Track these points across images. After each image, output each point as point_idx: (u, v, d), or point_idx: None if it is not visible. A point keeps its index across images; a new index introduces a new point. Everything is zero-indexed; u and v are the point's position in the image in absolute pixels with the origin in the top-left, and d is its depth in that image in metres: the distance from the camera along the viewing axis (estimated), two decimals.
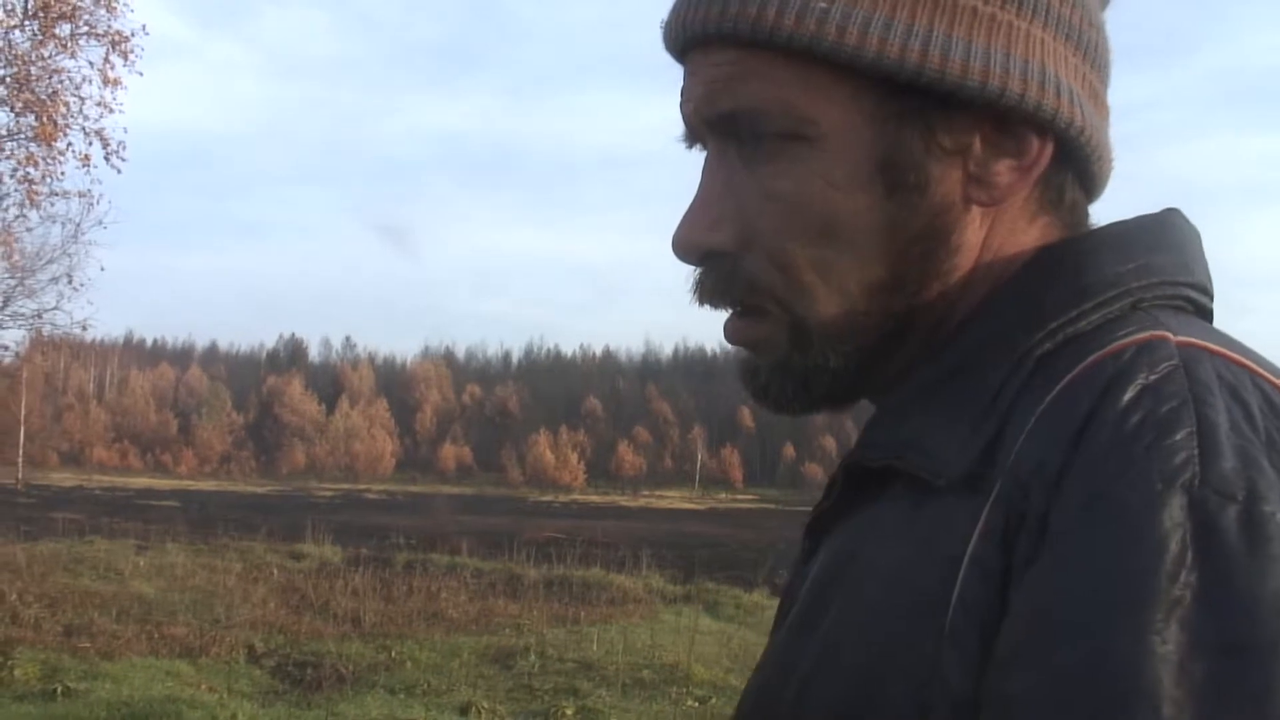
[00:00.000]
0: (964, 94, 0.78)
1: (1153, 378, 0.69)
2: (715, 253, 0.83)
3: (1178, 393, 0.68)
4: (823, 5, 0.77)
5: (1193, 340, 0.72)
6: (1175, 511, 0.63)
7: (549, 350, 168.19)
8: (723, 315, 0.87)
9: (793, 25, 0.77)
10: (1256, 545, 0.61)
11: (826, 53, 0.77)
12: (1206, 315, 0.82)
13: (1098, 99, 0.85)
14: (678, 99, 0.87)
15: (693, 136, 0.87)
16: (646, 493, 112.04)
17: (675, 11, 0.85)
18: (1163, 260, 0.79)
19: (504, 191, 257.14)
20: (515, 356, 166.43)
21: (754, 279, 0.82)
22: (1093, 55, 0.84)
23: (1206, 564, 0.61)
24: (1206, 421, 0.66)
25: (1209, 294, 0.82)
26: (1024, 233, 0.83)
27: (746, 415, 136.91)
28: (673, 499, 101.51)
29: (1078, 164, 0.84)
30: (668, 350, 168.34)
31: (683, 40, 0.84)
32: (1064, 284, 0.78)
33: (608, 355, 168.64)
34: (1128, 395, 0.68)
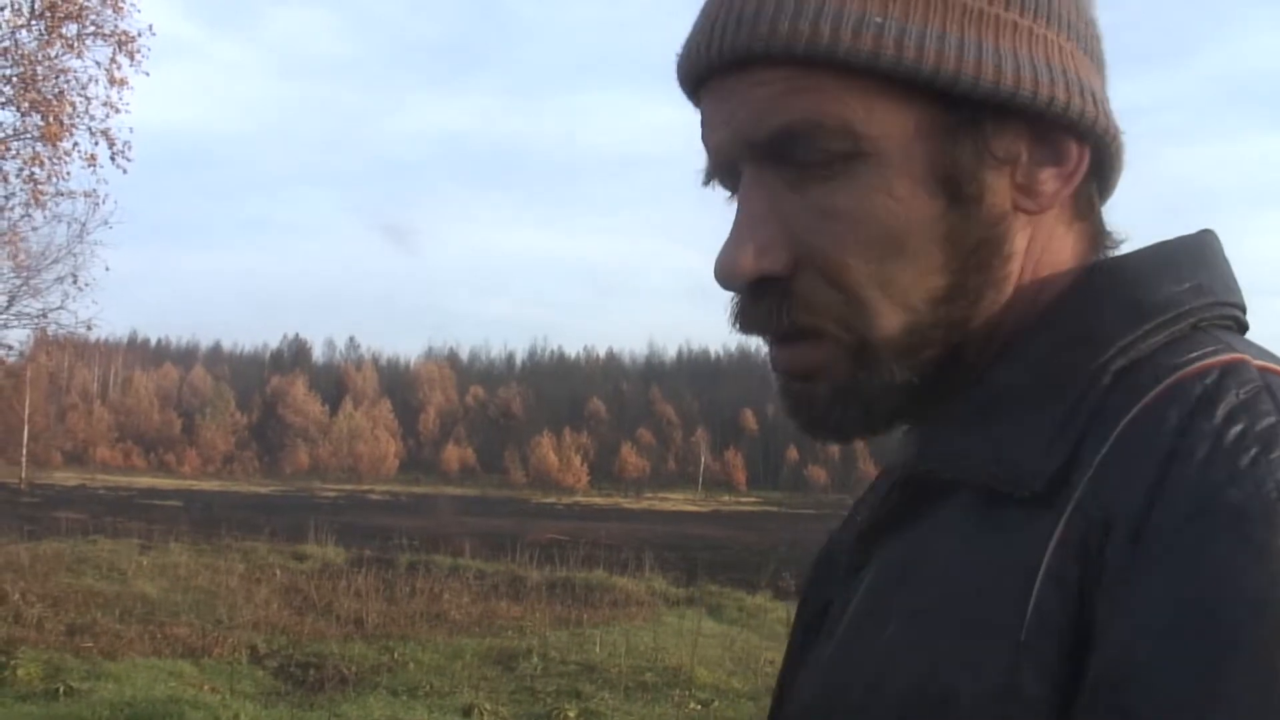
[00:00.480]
0: (1015, 104, 0.79)
1: (1243, 396, 0.70)
2: (766, 278, 0.81)
3: (1270, 411, 0.69)
4: (878, 20, 0.77)
5: (1268, 364, 0.73)
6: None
7: (552, 352, 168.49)
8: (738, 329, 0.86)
9: (850, 41, 0.77)
10: None
11: (885, 68, 0.77)
12: (1245, 333, 0.83)
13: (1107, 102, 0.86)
14: (700, 130, 0.86)
15: (719, 168, 0.86)
16: (649, 495, 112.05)
17: (704, 34, 0.83)
18: (1211, 280, 0.81)
19: (507, 191, 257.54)
20: (519, 358, 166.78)
21: (809, 301, 0.81)
22: (1099, 62, 0.86)
23: None
24: None
25: (1246, 312, 0.84)
26: (1062, 239, 0.85)
27: (750, 417, 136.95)
28: (676, 501, 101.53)
29: (1102, 169, 0.86)
30: (671, 352, 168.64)
31: (719, 63, 0.81)
32: (1122, 302, 0.79)
33: (611, 357, 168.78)
34: (1221, 412, 0.69)
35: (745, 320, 0.84)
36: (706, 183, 0.88)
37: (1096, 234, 0.87)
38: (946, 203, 0.79)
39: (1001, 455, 0.76)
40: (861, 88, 0.78)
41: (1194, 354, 0.74)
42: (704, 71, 0.83)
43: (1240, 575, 0.62)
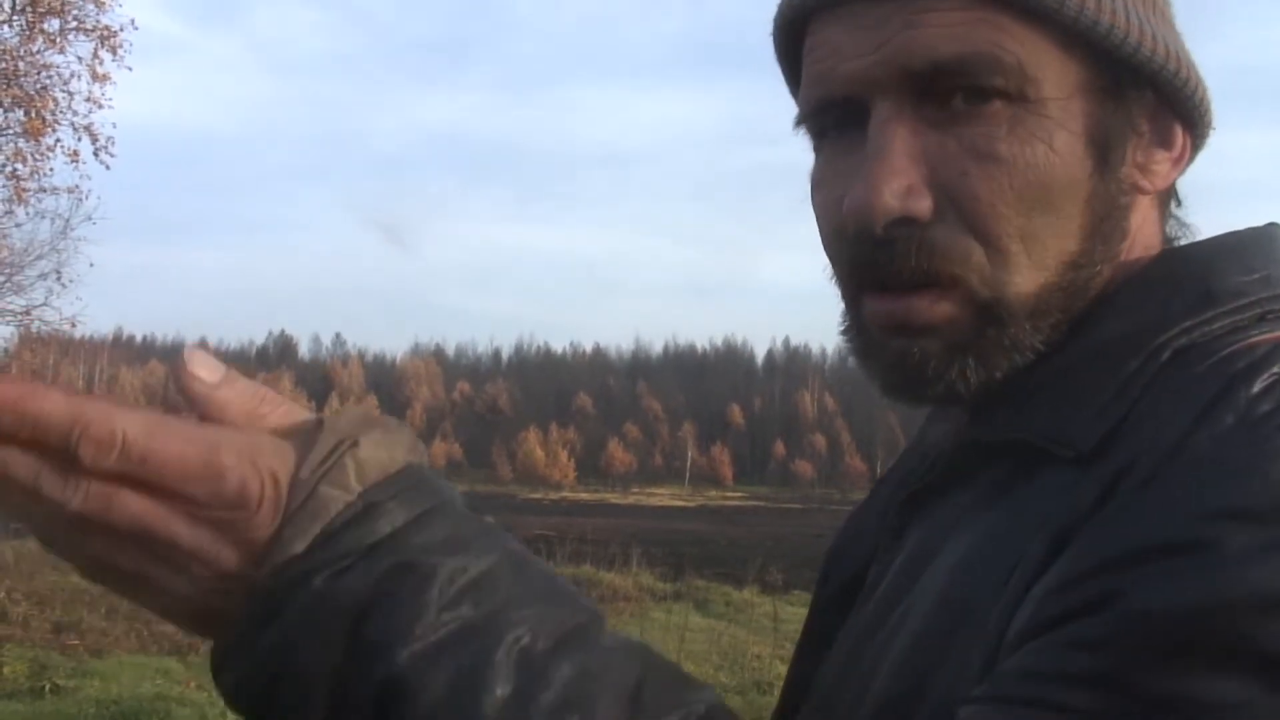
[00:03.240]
0: (1159, 79, 0.79)
1: None
2: (908, 219, 0.76)
3: None
4: None
5: None
6: None
7: (539, 347, 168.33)
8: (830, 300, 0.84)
9: None
10: None
11: (1068, 18, 0.76)
12: None
13: None
14: (814, 63, 0.81)
15: (838, 104, 0.80)
16: (637, 490, 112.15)
17: None
18: (1278, 272, 0.79)
19: (496, 187, 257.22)
20: (505, 353, 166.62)
21: (948, 248, 0.76)
22: None
23: None
24: None
25: None
26: (1155, 224, 0.84)
27: (737, 412, 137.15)
28: (663, 496, 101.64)
29: (1191, 159, 0.85)
30: (658, 347, 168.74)
31: None
32: (1192, 288, 0.77)
33: (598, 352, 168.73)
34: (1259, 384, 0.68)
35: (861, 266, 0.79)
36: (800, 125, 0.84)
37: (1169, 221, 0.87)
38: (1094, 164, 0.78)
39: (1056, 419, 0.74)
40: (1035, 33, 0.76)
41: (1252, 334, 0.73)
42: None
43: (1223, 535, 0.60)
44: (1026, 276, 0.77)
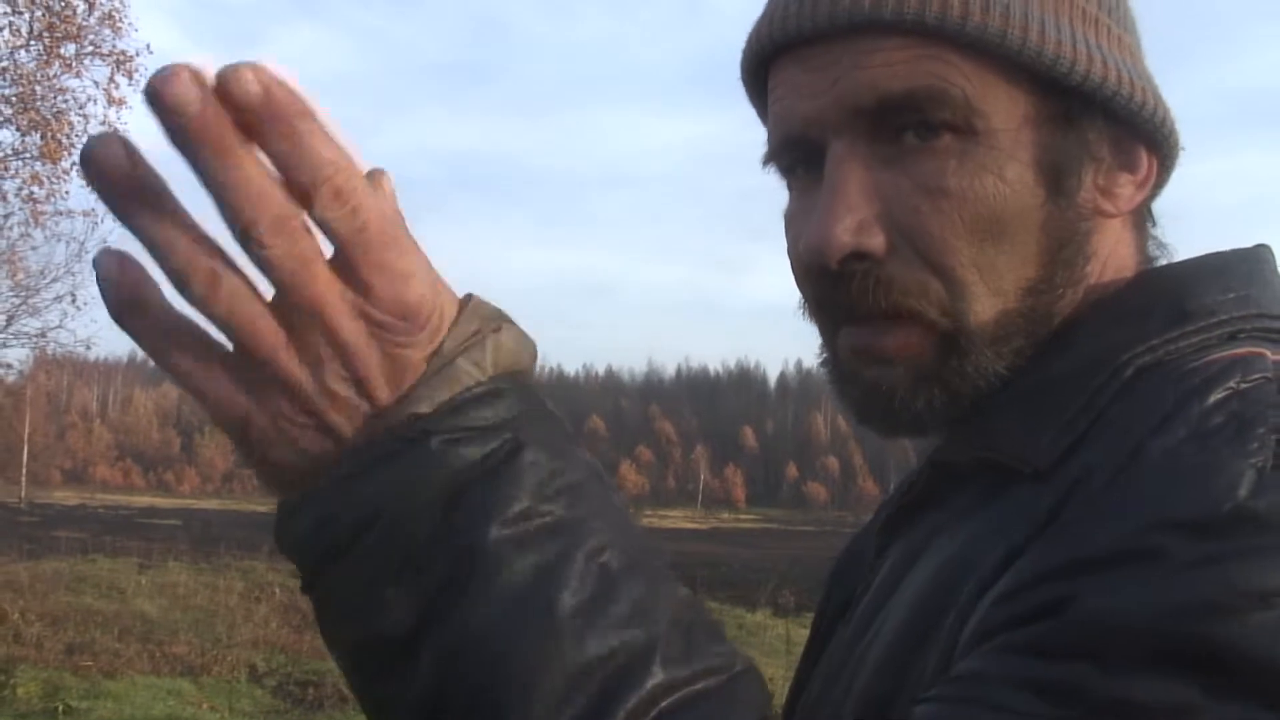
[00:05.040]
0: (1113, 105, 0.80)
1: (1243, 385, 0.69)
2: (861, 255, 0.78)
3: (1265, 399, 0.68)
4: (1005, 0, 0.77)
5: None
6: (1240, 477, 0.62)
7: (552, 369, 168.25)
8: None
9: (980, 17, 0.76)
10: None
11: (1011, 49, 0.77)
12: None
13: None
14: (775, 103, 0.83)
15: (797, 143, 0.82)
16: (649, 512, 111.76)
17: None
18: (1260, 293, 0.80)
19: (509, 207, 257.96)
20: None
21: (906, 282, 0.78)
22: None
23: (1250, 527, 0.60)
24: None
25: None
26: (1126, 246, 0.85)
27: (749, 435, 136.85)
28: (675, 518, 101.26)
29: (1161, 179, 0.86)
30: (670, 370, 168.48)
31: (830, 27, 0.79)
32: (1166, 307, 0.78)
33: (610, 375, 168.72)
34: (1214, 397, 0.68)
35: (825, 302, 0.82)
36: (768, 163, 0.86)
37: (1148, 243, 0.88)
38: (1047, 192, 0.79)
39: (1021, 436, 0.75)
40: (981, 66, 0.77)
41: (1217, 351, 0.74)
42: (805, 35, 0.80)
43: (1169, 544, 0.61)
44: (985, 305, 0.78)
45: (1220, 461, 0.63)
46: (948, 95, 0.76)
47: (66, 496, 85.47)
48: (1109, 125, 0.81)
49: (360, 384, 0.58)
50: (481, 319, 0.62)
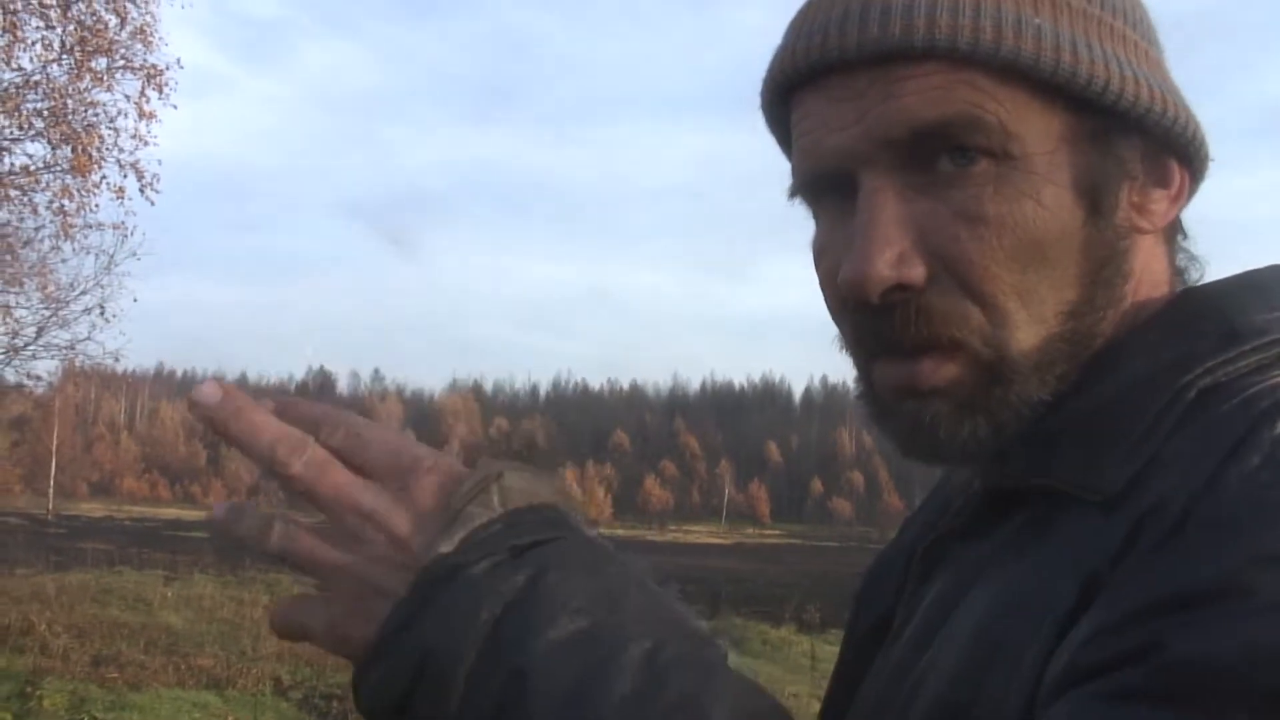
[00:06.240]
0: (1146, 121, 0.79)
1: None
2: (902, 286, 0.76)
3: None
4: (1036, 22, 0.76)
5: None
6: None
7: (576, 384, 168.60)
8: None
9: (1013, 41, 0.75)
10: None
11: (1045, 72, 0.76)
12: None
13: None
14: (802, 136, 0.82)
15: (826, 176, 0.81)
16: (674, 527, 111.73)
17: (834, 27, 0.79)
18: None
19: (536, 223, 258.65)
20: (543, 390, 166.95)
21: (948, 312, 0.77)
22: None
23: None
24: None
25: None
26: (1159, 261, 0.84)
27: (774, 450, 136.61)
28: (700, 533, 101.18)
29: (1192, 192, 0.85)
30: (695, 384, 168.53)
31: (858, 56, 0.77)
32: (1214, 327, 0.77)
33: (635, 389, 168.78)
34: None
35: (864, 335, 0.81)
36: (794, 196, 0.85)
37: (1178, 255, 0.87)
38: (1085, 213, 0.78)
39: (1083, 463, 0.74)
40: (1014, 90, 0.76)
41: (1275, 373, 0.73)
42: (831, 64, 0.79)
43: (1256, 581, 0.60)
44: (1027, 332, 0.77)
45: None
46: (983, 122, 0.75)
47: (93, 508, 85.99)
48: (1143, 142, 0.80)
49: (396, 543, 0.68)
50: (485, 472, 0.69)
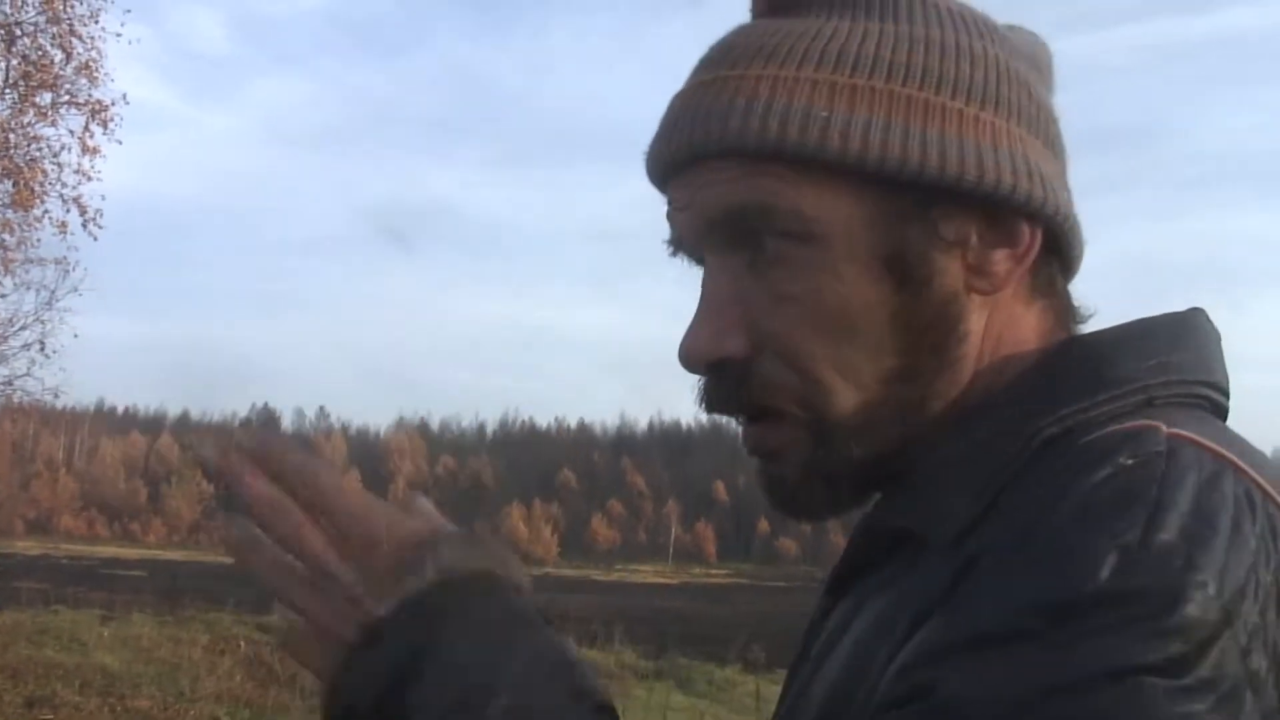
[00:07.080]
0: (961, 189, 0.81)
1: (1130, 461, 0.71)
2: (726, 360, 0.85)
3: (1150, 477, 0.70)
4: (824, 114, 0.81)
5: (1184, 434, 0.74)
6: (1104, 557, 0.66)
7: (524, 422, 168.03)
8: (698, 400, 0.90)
9: (797, 137, 0.81)
10: (1171, 604, 0.64)
11: (831, 158, 0.81)
12: (1222, 413, 0.84)
13: (1065, 185, 0.89)
14: (667, 214, 0.90)
15: (686, 247, 0.90)
16: (620, 566, 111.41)
17: (664, 134, 0.88)
18: (1181, 358, 0.82)
19: (485, 262, 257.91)
20: (490, 428, 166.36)
21: (768, 382, 0.84)
22: (1055, 145, 0.89)
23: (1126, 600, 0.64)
24: (1166, 502, 0.68)
25: (1225, 393, 0.85)
26: (1022, 318, 0.87)
27: (721, 489, 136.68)
28: (646, 573, 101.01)
29: (1061, 248, 0.88)
30: (643, 424, 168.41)
31: (678, 159, 0.86)
32: (1082, 376, 0.80)
33: (582, 428, 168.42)
34: (1102, 473, 0.71)
35: (709, 400, 0.88)
36: (674, 254, 0.92)
37: (1062, 311, 0.89)
38: (894, 285, 0.82)
39: (932, 509, 0.79)
40: (811, 176, 0.81)
41: (1128, 420, 0.76)
42: (666, 168, 0.88)
43: (1039, 628, 0.65)
44: (845, 398, 0.83)
45: (1088, 543, 0.67)
46: (775, 208, 0.82)
47: (29, 546, 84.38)
48: (972, 208, 0.83)
49: (353, 602, 0.77)
50: (425, 544, 0.78)
